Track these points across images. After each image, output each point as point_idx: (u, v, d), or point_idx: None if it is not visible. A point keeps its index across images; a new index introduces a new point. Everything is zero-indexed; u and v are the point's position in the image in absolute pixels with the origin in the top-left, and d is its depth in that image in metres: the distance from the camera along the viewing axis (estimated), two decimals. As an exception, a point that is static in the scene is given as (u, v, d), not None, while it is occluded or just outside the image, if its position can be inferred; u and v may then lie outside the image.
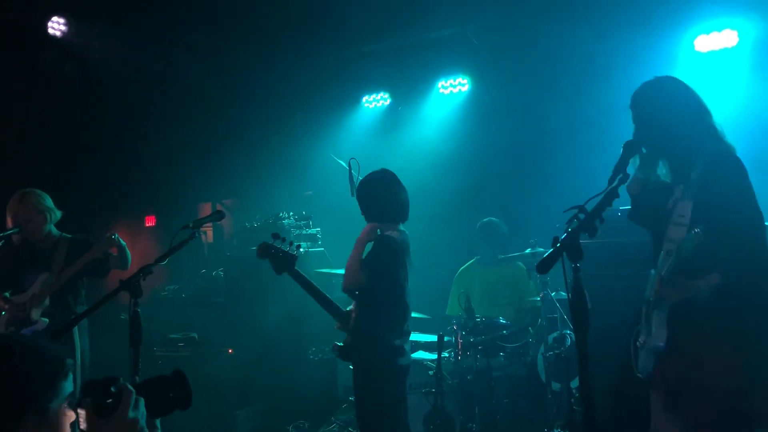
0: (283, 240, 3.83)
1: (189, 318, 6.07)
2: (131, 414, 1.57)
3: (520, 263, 5.38)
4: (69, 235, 4.44)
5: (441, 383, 4.21)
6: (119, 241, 4.30)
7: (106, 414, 1.57)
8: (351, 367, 3.80)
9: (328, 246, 6.31)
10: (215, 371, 5.58)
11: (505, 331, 4.67)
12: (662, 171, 2.88)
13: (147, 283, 3.10)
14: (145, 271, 3.09)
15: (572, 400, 4.51)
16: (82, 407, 1.58)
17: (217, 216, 3.58)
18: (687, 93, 2.79)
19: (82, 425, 1.57)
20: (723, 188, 2.60)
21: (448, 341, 4.75)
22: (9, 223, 4.29)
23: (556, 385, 4.77)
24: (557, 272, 4.96)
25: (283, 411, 5.63)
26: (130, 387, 1.61)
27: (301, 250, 5.92)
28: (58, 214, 4.41)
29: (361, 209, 3.82)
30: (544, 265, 2.30)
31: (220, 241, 8.48)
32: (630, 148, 2.68)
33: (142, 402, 1.62)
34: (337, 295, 4.02)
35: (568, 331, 4.62)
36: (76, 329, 4.23)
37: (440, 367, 4.19)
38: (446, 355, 4.72)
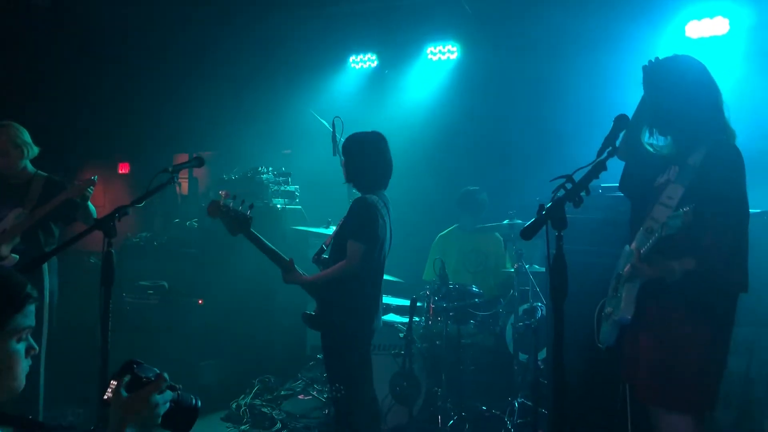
0: (234, 197, 3.58)
1: (160, 267, 5.99)
2: (156, 397, 1.62)
3: (497, 234, 5.40)
4: (44, 174, 4.32)
5: (410, 346, 4.22)
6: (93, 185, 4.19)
7: (134, 389, 1.63)
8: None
9: (305, 205, 6.27)
10: (183, 321, 5.55)
11: (477, 299, 4.70)
12: (663, 143, 2.87)
13: (119, 229, 3.04)
14: (120, 211, 3.03)
15: (538, 371, 4.57)
16: (116, 379, 1.65)
17: (196, 162, 3.50)
18: (703, 75, 2.77)
19: (107, 395, 1.63)
20: (718, 182, 2.60)
21: (420, 306, 4.77)
22: None
23: (522, 357, 4.83)
24: (532, 245, 5.01)
25: (250, 365, 5.62)
26: (166, 378, 1.67)
27: (279, 206, 5.97)
28: (35, 150, 4.28)
29: (345, 168, 3.69)
30: (528, 231, 2.30)
31: (194, 192, 8.37)
32: (621, 122, 2.68)
33: (168, 395, 1.67)
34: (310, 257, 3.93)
35: (539, 304, 4.66)
36: (45, 268, 4.15)
37: (411, 331, 4.20)
38: (417, 319, 4.74)
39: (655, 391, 2.68)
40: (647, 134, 2.89)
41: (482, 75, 6.49)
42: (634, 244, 2.78)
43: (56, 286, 4.28)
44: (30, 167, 4.29)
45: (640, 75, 2.88)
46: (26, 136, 4.24)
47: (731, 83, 5.09)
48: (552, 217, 2.30)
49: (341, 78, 7.39)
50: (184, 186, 8.73)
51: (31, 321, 1.58)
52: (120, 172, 9.38)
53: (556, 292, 2.30)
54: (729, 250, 2.56)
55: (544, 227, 2.32)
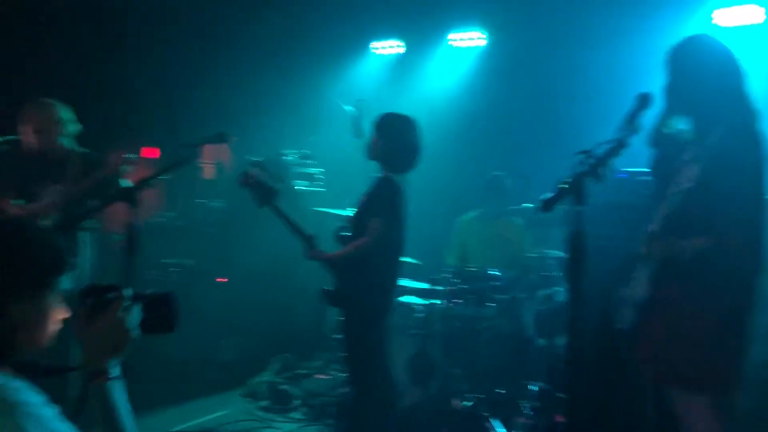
0: (264, 169, 3.71)
1: (184, 246, 6.08)
2: (119, 315, 1.59)
3: (518, 219, 5.39)
4: (83, 150, 4.36)
5: (428, 327, 4.23)
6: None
7: (97, 315, 1.59)
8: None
9: (327, 187, 6.31)
10: (204, 299, 5.61)
11: (497, 282, 4.70)
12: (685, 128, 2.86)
13: (144, 210, 3.09)
14: (144, 182, 3.09)
15: (556, 356, 4.56)
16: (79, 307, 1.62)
17: (218, 138, 3.54)
18: (722, 55, 2.75)
19: (62, 315, 1.59)
20: (732, 161, 2.58)
21: (439, 290, 4.79)
22: (24, 133, 4.21)
23: (541, 341, 4.82)
24: (554, 230, 4.99)
25: (270, 343, 5.68)
26: (127, 293, 1.62)
27: (301, 188, 6.02)
28: (76, 127, 4.34)
29: (375, 146, 3.67)
30: (547, 204, 2.31)
31: (219, 171, 8.44)
32: (643, 100, 2.66)
33: (136, 309, 1.64)
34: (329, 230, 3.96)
35: (560, 288, 4.65)
36: (82, 239, 4.20)
37: (431, 312, 4.22)
38: (436, 302, 4.75)
39: (667, 369, 2.69)
40: (668, 116, 2.86)
41: (509, 62, 6.44)
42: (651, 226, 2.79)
43: (88, 256, 4.31)
44: (68, 144, 4.33)
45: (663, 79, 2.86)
46: (64, 114, 4.28)
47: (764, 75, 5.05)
48: (572, 190, 2.30)
49: (364, 64, 7.40)
50: (208, 171, 8.80)
51: (66, 285, 1.62)
52: (143, 155, 9.48)
53: (575, 267, 2.30)
54: (742, 232, 2.54)
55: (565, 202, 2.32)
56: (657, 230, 2.69)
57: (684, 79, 2.73)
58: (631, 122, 2.53)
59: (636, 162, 4.29)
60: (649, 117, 2.65)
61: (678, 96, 2.77)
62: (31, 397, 1.44)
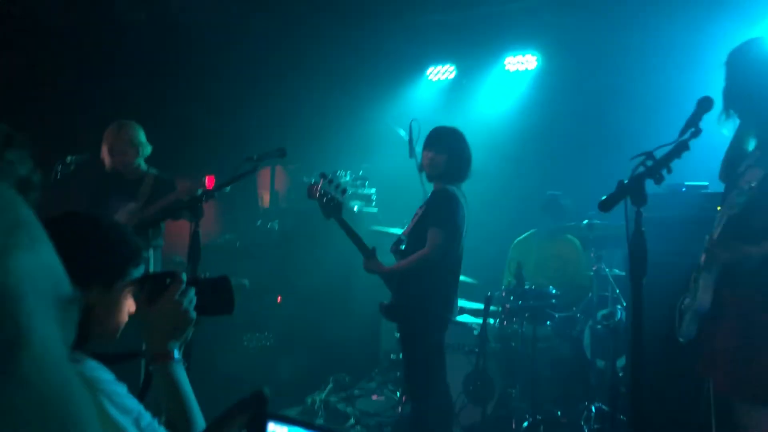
0: (330, 181, 3.72)
1: (242, 266, 6.19)
2: (177, 297, 1.64)
3: (573, 238, 5.33)
4: (155, 171, 4.55)
5: (484, 345, 4.19)
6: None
7: (156, 298, 1.65)
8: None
9: (381, 208, 6.37)
10: (262, 318, 5.70)
11: (553, 300, 4.63)
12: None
13: (202, 232, 3.15)
14: (207, 194, 3.19)
15: (617, 378, 4.45)
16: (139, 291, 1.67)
17: (278, 152, 3.64)
18: None
19: (132, 308, 1.65)
20: None
21: (495, 310, 4.75)
22: (104, 152, 4.42)
23: (600, 363, 4.72)
24: (612, 247, 4.90)
25: (325, 363, 5.71)
26: (183, 277, 1.68)
27: (356, 208, 6.09)
28: (149, 149, 4.54)
29: (432, 160, 3.70)
30: (605, 204, 2.29)
31: (275, 202, 8.61)
32: (704, 104, 2.62)
33: (192, 291, 1.69)
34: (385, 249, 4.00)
35: (619, 306, 4.55)
36: (151, 259, 4.35)
37: (485, 328, 4.18)
38: (492, 321, 4.71)
39: (735, 382, 2.57)
40: (724, 119, 2.80)
41: (561, 83, 6.44)
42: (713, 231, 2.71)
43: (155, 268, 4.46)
44: (143, 165, 4.52)
45: (723, 83, 2.81)
46: (142, 136, 4.49)
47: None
48: (631, 191, 2.27)
49: (419, 90, 7.49)
50: (265, 198, 8.99)
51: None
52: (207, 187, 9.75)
53: (636, 269, 2.26)
54: None
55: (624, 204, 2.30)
56: (719, 235, 2.61)
57: (745, 82, 2.68)
58: (692, 125, 2.50)
59: (696, 175, 4.24)
60: (710, 121, 2.61)
61: (739, 100, 2.72)
62: (104, 374, 1.49)
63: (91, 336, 1.54)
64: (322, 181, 3.68)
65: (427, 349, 3.54)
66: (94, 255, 1.56)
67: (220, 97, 7.98)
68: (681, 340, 2.86)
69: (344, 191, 3.72)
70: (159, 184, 4.44)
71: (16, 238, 0.53)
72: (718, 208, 2.79)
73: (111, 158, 4.40)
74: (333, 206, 3.65)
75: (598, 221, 4.74)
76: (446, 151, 3.65)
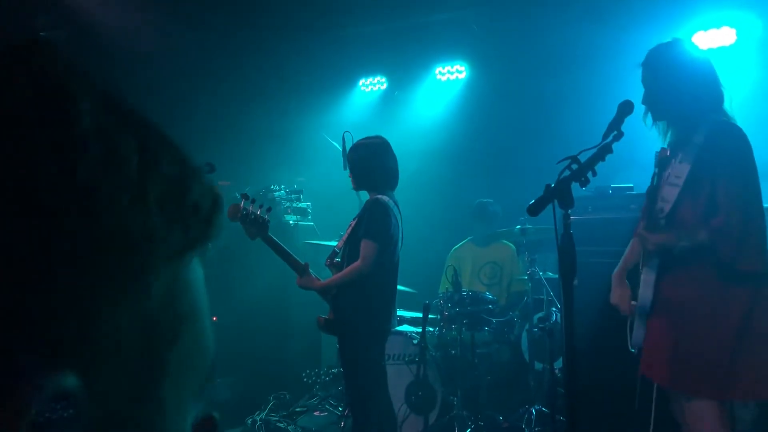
0: (253, 201, 3.62)
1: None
2: None
3: (509, 243, 5.40)
4: None
5: (424, 353, 4.19)
6: None
7: None
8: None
9: (317, 222, 6.31)
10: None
11: (490, 306, 4.68)
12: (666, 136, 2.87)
13: None
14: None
15: (555, 379, 4.51)
16: None
17: (207, 168, 3.52)
18: (701, 59, 2.79)
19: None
20: (722, 155, 2.59)
21: (434, 318, 4.76)
22: None
23: (538, 365, 4.78)
24: (545, 251, 4.97)
25: (265, 381, 5.60)
26: None
27: (291, 222, 6.01)
28: None
29: (353, 174, 3.75)
30: (533, 208, 2.31)
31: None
32: (625, 108, 2.68)
33: None
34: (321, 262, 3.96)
35: (554, 309, 4.63)
36: None
37: (424, 337, 4.17)
38: (431, 329, 4.71)
39: (675, 376, 2.61)
40: (650, 121, 2.87)
41: (490, 92, 6.56)
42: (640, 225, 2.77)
43: None
44: None
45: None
46: None
47: (744, 92, 5.14)
48: (558, 195, 2.30)
49: (352, 101, 7.49)
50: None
51: None
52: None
53: (565, 271, 2.29)
54: (739, 231, 2.49)
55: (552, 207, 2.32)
56: (645, 225, 2.68)
57: (660, 82, 2.75)
58: (614, 128, 2.55)
59: (621, 177, 4.37)
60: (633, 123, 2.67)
61: (657, 103, 2.79)
62: None
63: None
64: (243, 201, 3.57)
65: (367, 362, 3.51)
66: None
67: (145, 114, 7.77)
68: (632, 350, 2.86)
69: (269, 209, 3.62)
70: None
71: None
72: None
73: None
74: (258, 226, 3.55)
75: (531, 226, 4.82)
76: (358, 162, 3.66)
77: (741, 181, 2.56)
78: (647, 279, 2.71)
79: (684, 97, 2.69)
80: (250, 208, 3.58)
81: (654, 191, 2.77)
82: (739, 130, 2.62)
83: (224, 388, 5.48)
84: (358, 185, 3.75)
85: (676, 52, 2.78)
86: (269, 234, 3.59)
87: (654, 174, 2.91)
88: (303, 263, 3.61)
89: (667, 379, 2.65)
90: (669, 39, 2.90)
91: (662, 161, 2.83)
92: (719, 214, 2.52)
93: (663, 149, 2.75)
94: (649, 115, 2.84)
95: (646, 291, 2.71)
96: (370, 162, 3.65)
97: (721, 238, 2.49)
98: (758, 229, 2.55)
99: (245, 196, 3.60)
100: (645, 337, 2.76)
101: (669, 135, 2.82)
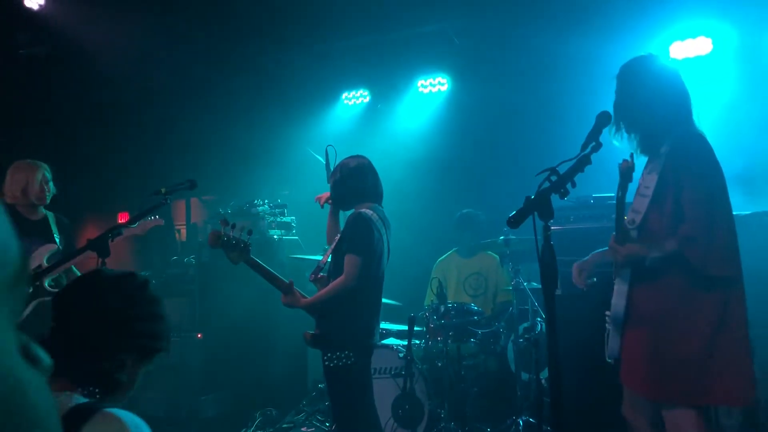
0: (233, 226, 3.55)
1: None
2: None
3: (494, 254, 5.42)
4: (51, 212, 4.39)
5: (410, 366, 4.18)
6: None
7: None
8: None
9: (302, 236, 6.30)
10: (183, 356, 5.50)
11: (476, 317, 4.68)
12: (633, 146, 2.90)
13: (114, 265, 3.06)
14: (113, 231, 3.06)
15: (541, 389, 4.52)
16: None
17: (188, 184, 3.55)
18: (670, 73, 2.84)
19: None
20: (684, 163, 2.63)
21: (419, 330, 4.76)
22: (13, 189, 4.19)
23: (525, 376, 4.79)
24: (529, 261, 5.00)
25: (251, 398, 5.56)
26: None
27: (276, 237, 5.99)
28: (54, 189, 4.38)
29: (333, 193, 3.78)
30: (514, 220, 2.31)
31: (193, 233, 8.39)
32: (603, 119, 2.71)
33: None
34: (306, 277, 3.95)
35: (539, 319, 4.64)
36: None
37: (410, 350, 4.16)
38: (417, 342, 4.71)
39: (652, 384, 2.64)
40: (614, 131, 2.90)
41: (472, 104, 6.60)
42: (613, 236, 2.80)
43: None
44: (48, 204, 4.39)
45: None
46: (49, 174, 4.36)
47: (720, 101, 5.22)
48: (538, 206, 2.31)
49: (335, 114, 7.51)
50: (183, 232, 8.76)
51: None
52: (120, 221, 9.42)
53: (547, 281, 2.30)
54: (705, 237, 2.52)
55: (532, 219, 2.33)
56: (616, 236, 2.71)
57: (632, 98, 2.80)
58: (592, 140, 2.58)
59: (596, 187, 4.40)
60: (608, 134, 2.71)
61: (627, 115, 2.84)
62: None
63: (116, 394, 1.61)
64: (222, 228, 3.54)
65: (352, 377, 3.49)
66: (149, 327, 1.67)
67: (129, 131, 7.76)
68: (609, 360, 2.88)
69: (250, 232, 3.58)
70: (60, 224, 4.33)
71: None
72: (626, 217, 2.88)
73: (23, 197, 4.19)
74: (239, 250, 3.51)
75: (514, 236, 4.84)
76: (338, 180, 3.68)
77: (705, 188, 2.59)
78: (620, 289, 2.75)
79: (654, 110, 2.75)
80: (231, 233, 3.53)
81: (620, 202, 2.81)
82: (701, 137, 2.67)
83: (210, 405, 5.44)
84: (338, 203, 3.79)
85: (647, 67, 2.84)
86: (251, 257, 3.56)
87: (618, 185, 2.95)
88: (287, 281, 3.58)
89: (646, 388, 2.68)
90: (645, 51, 2.96)
91: (625, 172, 2.86)
92: (685, 221, 2.56)
93: (625, 160, 2.78)
94: (614, 126, 2.86)
95: (619, 301, 2.74)
96: (351, 178, 3.66)
97: (689, 245, 2.53)
98: (725, 234, 2.58)
99: (224, 222, 3.55)
100: (621, 347, 2.79)
101: (639, 146, 2.86)
